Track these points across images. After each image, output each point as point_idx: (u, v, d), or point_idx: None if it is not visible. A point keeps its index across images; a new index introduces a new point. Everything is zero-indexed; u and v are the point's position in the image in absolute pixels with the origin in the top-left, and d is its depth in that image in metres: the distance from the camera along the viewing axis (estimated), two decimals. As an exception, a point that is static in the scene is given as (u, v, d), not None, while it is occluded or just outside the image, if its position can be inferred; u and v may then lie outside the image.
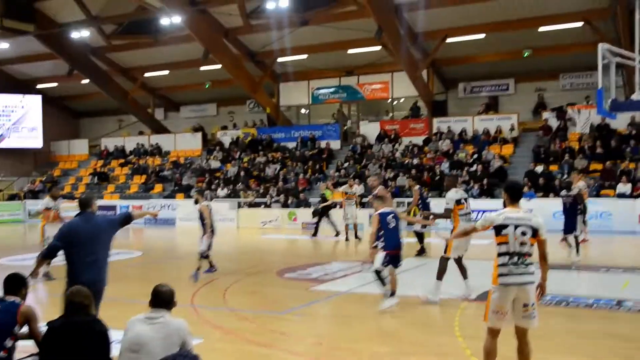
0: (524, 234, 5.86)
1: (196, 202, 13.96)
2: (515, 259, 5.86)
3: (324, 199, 22.63)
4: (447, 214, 10.73)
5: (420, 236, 16.70)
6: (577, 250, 14.55)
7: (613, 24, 22.76)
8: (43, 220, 14.65)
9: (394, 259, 9.83)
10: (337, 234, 21.68)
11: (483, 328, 6.11)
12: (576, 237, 14.58)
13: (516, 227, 5.88)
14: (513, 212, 6.01)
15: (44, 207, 14.67)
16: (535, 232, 5.90)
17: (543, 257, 6.05)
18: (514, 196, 6.18)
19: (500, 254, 5.93)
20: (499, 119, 28.62)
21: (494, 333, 6.03)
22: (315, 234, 21.85)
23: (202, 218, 13.41)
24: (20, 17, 28.54)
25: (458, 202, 10.54)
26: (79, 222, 7.37)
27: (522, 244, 5.86)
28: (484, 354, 6.09)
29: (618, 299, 10.39)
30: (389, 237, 9.85)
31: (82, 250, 6.99)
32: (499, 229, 5.94)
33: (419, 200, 16.11)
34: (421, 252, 16.34)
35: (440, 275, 10.16)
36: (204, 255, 13.28)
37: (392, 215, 10.04)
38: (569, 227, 14.63)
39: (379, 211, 10.10)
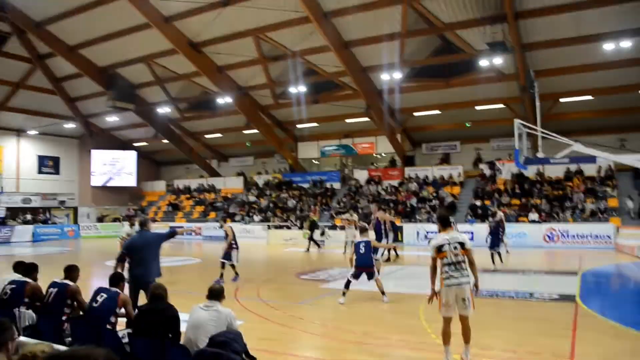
0: (455, 248, 5.92)
1: (221, 226, 13.53)
2: (453, 267, 5.90)
3: (313, 223, 22.51)
4: None
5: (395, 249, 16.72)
6: (501, 260, 14.74)
7: (523, 106, 22.96)
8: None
9: (359, 274, 9.83)
10: (307, 249, 21.29)
11: (439, 315, 6.13)
12: (499, 253, 14.68)
13: (449, 244, 5.94)
14: (446, 235, 6.04)
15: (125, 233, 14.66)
16: (463, 245, 5.95)
17: (471, 262, 6.02)
18: (444, 224, 6.18)
19: (443, 265, 5.95)
20: (450, 169, 28.60)
21: (447, 320, 6.01)
22: (308, 249, 21.53)
23: (226, 236, 12.71)
24: (125, 98, 29.05)
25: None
26: (135, 237, 7.81)
27: (456, 255, 5.91)
28: (442, 336, 6.06)
29: (530, 292, 10.37)
30: (359, 258, 9.88)
31: (136, 255, 7.25)
32: (439, 248, 5.97)
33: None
34: (388, 260, 16.02)
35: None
36: (231, 265, 12.50)
37: (364, 243, 9.95)
38: (494, 243, 14.77)
39: (356, 240, 10.23)
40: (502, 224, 15.15)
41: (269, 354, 6.52)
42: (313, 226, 22.59)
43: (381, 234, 12.48)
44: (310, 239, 22.27)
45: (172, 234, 8.10)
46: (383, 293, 9.78)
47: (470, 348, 5.94)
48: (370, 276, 9.84)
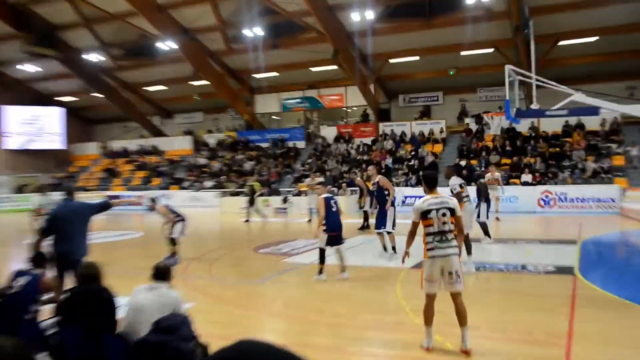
0: (444, 214, 5.82)
1: (151, 209, 12.50)
2: (439, 236, 5.81)
3: (253, 190, 21.95)
4: (458, 197, 9.58)
5: (365, 214, 16.74)
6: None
7: (515, 50, 23.10)
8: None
9: (336, 240, 9.47)
10: (247, 220, 20.95)
11: (419, 291, 6.15)
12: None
13: (437, 210, 5.84)
14: (434, 199, 5.91)
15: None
16: (452, 212, 5.87)
17: (460, 230, 5.99)
18: (431, 184, 6.08)
19: (427, 234, 5.86)
20: (431, 124, 28.83)
21: (430, 298, 5.95)
22: (247, 220, 20.96)
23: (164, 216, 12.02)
24: (46, 44, 27.92)
25: (460, 186, 10.18)
26: (60, 207, 7.34)
27: (444, 223, 5.82)
28: (424, 315, 6.01)
29: (522, 264, 10.59)
30: (333, 219, 9.42)
31: (61, 229, 6.92)
32: (424, 214, 5.85)
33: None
34: (365, 227, 16.76)
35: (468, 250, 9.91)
36: (171, 239, 11.89)
37: (334, 200, 9.62)
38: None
39: (323, 196, 9.59)
40: (482, 188, 14.66)
41: (223, 340, 6.41)
42: (253, 192, 21.93)
43: (384, 203, 11.93)
44: (250, 206, 21.71)
45: (105, 205, 7.75)
46: (344, 269, 9.66)
47: (468, 331, 5.91)
48: (339, 241, 9.54)
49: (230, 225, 20.59)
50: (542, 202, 22.03)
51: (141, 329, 4.86)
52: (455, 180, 10.33)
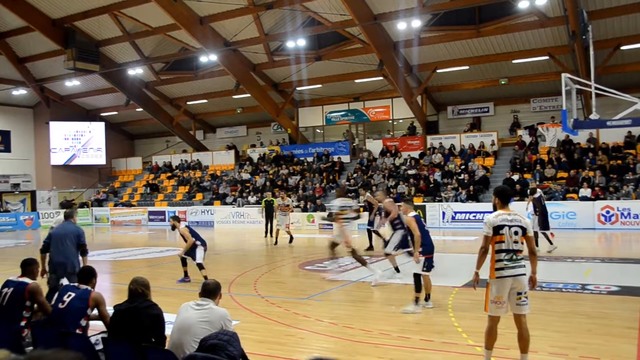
0: (516, 233, 5.76)
1: (173, 228, 12.30)
2: (510, 255, 5.74)
3: (269, 205, 21.76)
4: (334, 218, 10.85)
5: (370, 233, 16.84)
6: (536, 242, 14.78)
7: (572, 57, 22.67)
8: None
9: (431, 263, 8.94)
10: (275, 242, 19.95)
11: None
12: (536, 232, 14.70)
13: (510, 227, 5.76)
14: (506, 215, 5.84)
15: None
16: (524, 231, 5.81)
17: (532, 252, 5.91)
18: (504, 200, 6.02)
19: (497, 251, 5.76)
20: (482, 136, 28.48)
21: (494, 320, 5.84)
22: (275, 242, 19.86)
23: (185, 239, 11.81)
24: (89, 59, 28.88)
25: (342, 208, 10.52)
26: (59, 228, 8.98)
27: (515, 242, 5.75)
28: (486, 337, 5.92)
29: (582, 284, 10.35)
30: (429, 241, 8.98)
31: (55, 245, 8.58)
32: (497, 229, 5.76)
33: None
34: (370, 248, 16.60)
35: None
36: (198, 264, 11.58)
37: (420, 218, 9.11)
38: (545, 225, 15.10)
39: (412, 214, 9.06)
40: (535, 204, 15.21)
41: (270, 359, 6.56)
42: (269, 209, 21.69)
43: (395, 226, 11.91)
44: (269, 224, 21.64)
45: (81, 246, 8.73)
46: (428, 297, 9.11)
47: (528, 358, 5.78)
48: (431, 267, 8.97)
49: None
50: (602, 218, 21.45)
51: (188, 346, 4.97)
52: (339, 202, 10.93)
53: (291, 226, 20.87)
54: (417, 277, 8.73)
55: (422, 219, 9.26)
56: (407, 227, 9.45)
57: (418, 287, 8.79)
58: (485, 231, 5.83)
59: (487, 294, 5.80)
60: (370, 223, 16.35)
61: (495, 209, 6.08)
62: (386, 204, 12.55)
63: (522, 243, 5.81)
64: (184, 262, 12.04)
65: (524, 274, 5.76)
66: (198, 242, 11.72)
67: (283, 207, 20.26)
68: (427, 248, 8.87)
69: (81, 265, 8.33)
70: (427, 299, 8.97)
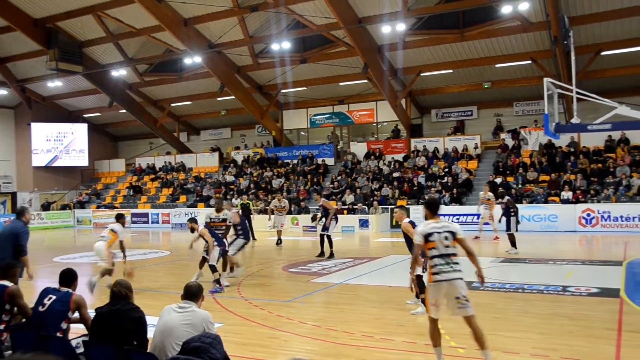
0: (446, 238, 6.02)
1: (192, 230, 12.28)
2: (443, 259, 5.98)
3: (246, 208, 21.86)
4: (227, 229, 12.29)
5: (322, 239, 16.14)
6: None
7: (554, 62, 22.89)
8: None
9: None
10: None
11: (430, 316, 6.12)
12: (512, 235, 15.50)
13: (439, 233, 6.04)
14: (435, 223, 6.14)
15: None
16: (454, 235, 6.06)
17: (469, 252, 6.13)
18: (433, 210, 6.30)
19: (432, 257, 6.03)
20: (465, 139, 28.65)
21: (434, 321, 6.10)
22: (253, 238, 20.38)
23: (205, 240, 11.78)
24: (71, 60, 28.63)
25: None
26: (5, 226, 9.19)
27: (447, 246, 6.01)
28: (432, 338, 6.14)
29: (563, 286, 10.44)
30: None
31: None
32: (427, 237, 6.05)
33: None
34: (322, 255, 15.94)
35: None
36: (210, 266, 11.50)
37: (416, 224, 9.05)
38: (508, 226, 15.66)
39: (407, 220, 9.26)
40: (510, 205, 15.79)
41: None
42: (246, 211, 21.54)
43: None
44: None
45: (17, 247, 8.53)
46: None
47: (489, 352, 5.91)
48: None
49: (259, 244, 20.69)
50: (583, 221, 21.68)
51: (170, 349, 4.94)
52: (224, 215, 11.90)
53: (275, 228, 20.82)
54: (419, 278, 8.44)
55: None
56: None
57: (422, 288, 8.53)
58: (417, 240, 6.15)
59: (427, 297, 6.13)
60: (325, 228, 15.91)
61: (426, 219, 6.33)
62: (324, 203, 15.18)
63: (455, 247, 6.07)
64: (202, 264, 12.00)
65: (459, 278, 5.98)
66: (216, 243, 11.67)
67: (279, 208, 20.46)
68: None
69: (22, 266, 8.18)
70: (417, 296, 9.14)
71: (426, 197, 21.02)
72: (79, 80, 32.03)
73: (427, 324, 7.95)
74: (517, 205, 16.63)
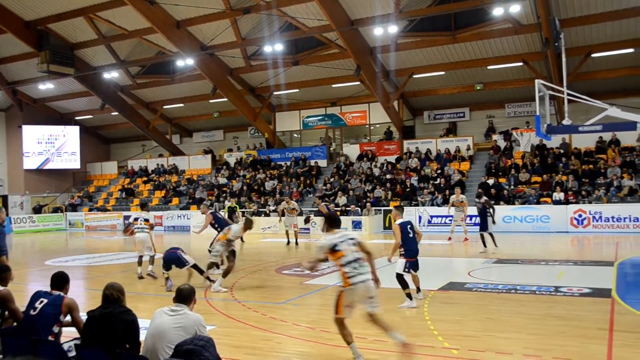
0: (351, 244, 6.42)
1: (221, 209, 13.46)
2: (356, 264, 6.34)
3: (232, 211, 22.01)
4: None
5: None
6: (495, 243, 16.06)
7: (545, 64, 23.01)
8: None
9: (417, 265, 9.47)
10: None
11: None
12: (490, 234, 15.98)
13: (343, 241, 6.42)
14: (335, 234, 6.53)
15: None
16: (356, 241, 6.50)
17: (368, 253, 6.54)
18: (332, 225, 6.69)
19: (344, 265, 6.32)
20: (458, 141, 28.72)
21: (342, 321, 6.38)
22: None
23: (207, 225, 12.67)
24: (63, 62, 28.53)
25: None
26: None
27: (355, 251, 6.40)
28: (344, 336, 6.38)
29: (555, 286, 10.47)
30: (412, 245, 9.41)
31: None
32: (333, 248, 6.39)
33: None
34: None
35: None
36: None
37: (410, 225, 9.51)
38: (483, 226, 16.19)
39: (398, 222, 9.50)
40: (488, 205, 16.22)
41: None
42: (232, 214, 21.73)
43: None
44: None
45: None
46: (419, 289, 9.80)
47: (394, 331, 6.35)
48: (417, 268, 9.55)
49: (251, 246, 20.66)
50: (575, 222, 21.78)
51: (162, 352, 4.92)
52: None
53: (269, 230, 20.82)
54: (399, 277, 9.24)
55: (411, 226, 9.54)
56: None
57: (404, 285, 9.22)
58: (320, 255, 6.54)
59: (341, 300, 6.36)
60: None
61: (326, 231, 6.74)
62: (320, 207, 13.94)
63: (360, 252, 6.46)
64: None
65: (369, 279, 6.36)
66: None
67: (289, 210, 20.68)
68: (408, 253, 9.31)
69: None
70: (417, 291, 9.67)
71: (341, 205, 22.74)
72: (71, 82, 31.94)
73: (420, 325, 8.02)
74: (509, 206, 16.78)
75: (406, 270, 9.27)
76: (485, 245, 16.12)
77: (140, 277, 13.05)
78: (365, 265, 6.41)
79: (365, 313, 6.40)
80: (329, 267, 13.78)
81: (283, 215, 21.30)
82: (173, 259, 11.39)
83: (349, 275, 6.29)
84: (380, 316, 6.40)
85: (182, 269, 11.48)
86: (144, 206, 13.87)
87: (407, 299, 9.19)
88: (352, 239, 6.51)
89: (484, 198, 16.48)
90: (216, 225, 13.48)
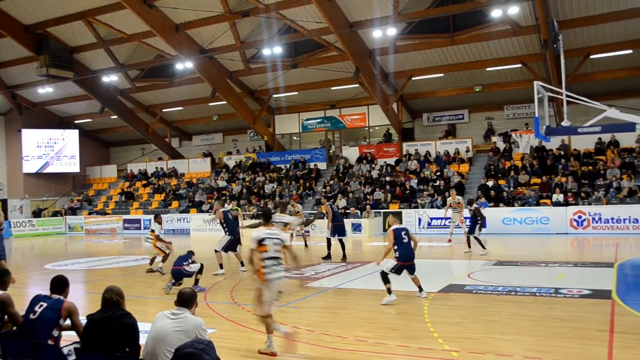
0: (276, 244, 7.00)
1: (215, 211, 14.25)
2: (275, 261, 6.93)
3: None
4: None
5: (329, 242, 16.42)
6: (483, 246, 16.00)
7: (544, 65, 23.04)
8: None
9: (403, 269, 9.76)
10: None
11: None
12: (476, 238, 16.09)
13: (271, 238, 6.99)
14: (268, 230, 7.12)
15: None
16: (282, 242, 7.09)
17: (293, 256, 7.37)
18: (267, 219, 7.34)
19: (264, 259, 6.88)
20: (457, 143, 28.74)
21: (268, 315, 6.84)
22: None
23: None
24: (62, 66, 28.55)
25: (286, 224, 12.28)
26: None
27: (277, 251, 6.99)
28: (267, 329, 6.86)
29: (555, 288, 10.46)
30: (405, 250, 9.76)
31: None
32: (260, 241, 6.95)
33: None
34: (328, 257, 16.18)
35: None
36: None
37: (405, 231, 9.90)
38: (471, 229, 16.41)
39: (393, 227, 9.96)
40: (478, 213, 16.41)
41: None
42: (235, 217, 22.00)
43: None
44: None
45: None
46: (421, 288, 10.01)
47: (273, 337, 6.84)
48: (413, 270, 9.90)
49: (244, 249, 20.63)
50: (574, 223, 21.78)
51: (162, 355, 4.91)
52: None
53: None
54: (383, 274, 9.65)
55: (406, 232, 9.86)
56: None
57: (385, 280, 9.61)
58: (252, 245, 7.03)
59: (261, 296, 6.89)
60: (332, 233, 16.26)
61: (260, 225, 7.42)
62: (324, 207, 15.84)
63: (283, 252, 7.09)
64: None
65: (283, 277, 7.09)
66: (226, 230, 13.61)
67: (294, 213, 20.59)
68: (401, 257, 9.69)
69: None
70: (420, 290, 9.97)
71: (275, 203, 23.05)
72: (70, 86, 31.95)
73: (420, 328, 8.01)
74: (509, 208, 16.86)
75: (393, 271, 9.65)
76: (469, 247, 16.55)
77: (149, 271, 14.35)
78: (281, 265, 6.99)
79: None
80: (329, 270, 13.80)
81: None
82: (179, 276, 11.40)
83: (266, 271, 6.83)
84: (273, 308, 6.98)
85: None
86: (155, 217, 14.93)
87: (388, 294, 9.53)
88: (279, 239, 7.06)
89: (475, 205, 16.71)
90: (224, 225, 13.75)
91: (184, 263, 11.50)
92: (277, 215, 12.24)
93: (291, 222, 12.45)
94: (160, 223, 14.75)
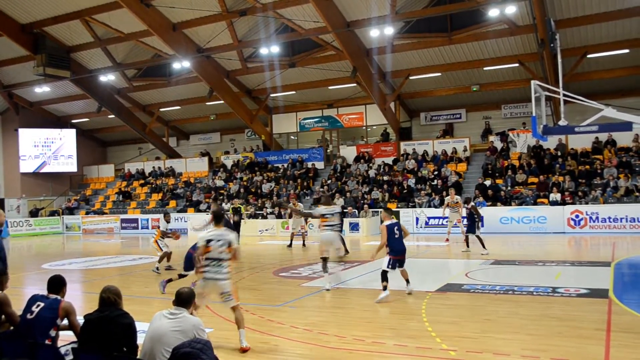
0: (222, 245, 7.21)
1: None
2: (214, 262, 7.19)
3: (238, 211, 22.12)
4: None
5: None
6: (483, 245, 15.77)
7: (541, 65, 23.07)
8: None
9: (398, 263, 9.97)
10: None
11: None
12: (478, 237, 15.93)
13: (218, 240, 7.22)
14: (217, 231, 7.34)
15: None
16: (229, 244, 7.24)
17: (234, 257, 7.35)
18: (217, 221, 7.53)
19: (205, 259, 7.20)
20: (454, 142, 28.76)
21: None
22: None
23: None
24: (59, 65, 28.49)
25: (324, 215, 11.67)
26: None
27: (221, 252, 7.20)
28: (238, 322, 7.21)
29: (552, 287, 10.47)
30: (397, 244, 9.97)
31: None
32: (207, 242, 7.22)
33: None
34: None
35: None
36: None
37: (397, 226, 10.05)
38: (470, 229, 16.32)
39: (385, 223, 10.09)
40: (474, 211, 16.39)
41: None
42: (238, 215, 21.93)
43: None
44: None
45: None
46: (408, 281, 10.21)
47: (244, 332, 7.13)
48: (403, 263, 10.12)
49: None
50: (572, 222, 21.82)
51: (160, 355, 4.91)
52: (323, 209, 11.90)
53: (266, 232, 20.79)
54: (383, 273, 9.81)
55: (398, 227, 10.01)
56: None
57: (384, 278, 9.76)
58: (200, 243, 7.30)
59: (197, 287, 7.23)
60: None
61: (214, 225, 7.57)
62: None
63: (228, 254, 7.25)
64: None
65: (222, 279, 7.19)
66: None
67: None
68: (393, 252, 9.91)
69: None
70: (407, 283, 10.18)
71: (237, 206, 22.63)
72: (67, 85, 31.93)
73: (417, 327, 8.01)
74: (506, 207, 16.87)
75: (390, 267, 9.82)
76: (467, 246, 16.55)
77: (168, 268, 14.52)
78: (223, 267, 7.20)
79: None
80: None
81: (290, 217, 21.32)
82: (189, 260, 11.37)
83: (204, 270, 7.21)
84: (239, 311, 7.26)
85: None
86: (164, 215, 15.61)
87: (383, 291, 9.69)
88: (227, 241, 7.24)
89: (471, 204, 16.74)
90: None
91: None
92: (324, 208, 11.81)
93: (337, 212, 11.98)
94: (168, 222, 15.36)
